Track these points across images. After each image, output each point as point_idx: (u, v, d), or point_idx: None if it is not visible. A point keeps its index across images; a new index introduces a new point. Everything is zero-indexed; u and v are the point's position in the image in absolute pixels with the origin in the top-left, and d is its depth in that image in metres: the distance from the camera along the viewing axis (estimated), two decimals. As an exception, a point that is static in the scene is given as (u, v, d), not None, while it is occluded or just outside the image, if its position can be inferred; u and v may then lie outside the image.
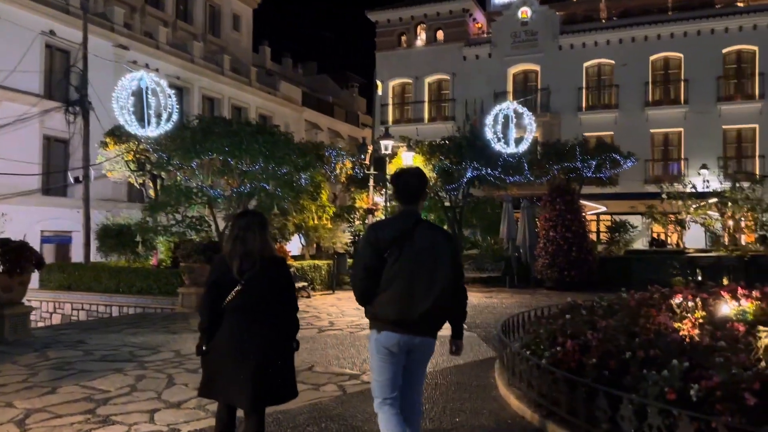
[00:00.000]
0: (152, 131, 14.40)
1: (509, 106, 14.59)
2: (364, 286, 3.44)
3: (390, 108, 34.22)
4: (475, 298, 14.70)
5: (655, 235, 26.66)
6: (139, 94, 14.01)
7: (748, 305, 7.93)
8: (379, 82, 34.06)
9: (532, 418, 4.84)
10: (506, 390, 5.56)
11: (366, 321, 8.02)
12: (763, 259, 15.14)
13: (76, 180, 19.43)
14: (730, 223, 17.92)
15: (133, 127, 14.31)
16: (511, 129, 14.06)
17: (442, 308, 3.36)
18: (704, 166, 25.57)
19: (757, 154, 26.98)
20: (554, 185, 16.83)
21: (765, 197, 18.24)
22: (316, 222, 16.75)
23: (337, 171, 19.28)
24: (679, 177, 27.08)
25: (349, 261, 17.62)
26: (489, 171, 18.27)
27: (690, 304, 7.31)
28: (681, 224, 19.06)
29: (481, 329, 9.67)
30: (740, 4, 29.36)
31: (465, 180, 18.44)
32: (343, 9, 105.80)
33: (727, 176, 24.96)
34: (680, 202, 19.51)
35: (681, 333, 5.52)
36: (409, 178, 3.58)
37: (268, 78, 37.35)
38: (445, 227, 22.04)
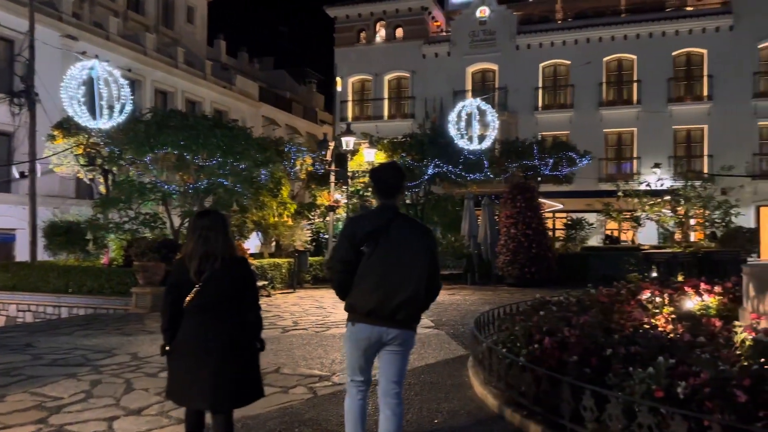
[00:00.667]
0: (104, 123, 13.76)
1: (472, 103, 14.57)
2: (341, 280, 3.49)
3: (349, 104, 33.96)
4: (438, 295, 14.62)
5: (608, 232, 27.29)
6: (90, 85, 13.34)
7: (710, 300, 8.10)
8: (338, 79, 33.75)
9: (512, 417, 4.73)
10: (483, 389, 5.45)
11: (331, 320, 7.88)
12: (716, 255, 15.59)
13: (22, 175, 18.50)
14: (683, 220, 18.43)
15: (83, 119, 13.63)
16: (475, 126, 14.05)
17: (418, 301, 3.42)
18: (657, 165, 26.29)
19: (706, 153, 27.88)
20: (515, 183, 16.94)
21: (715, 195, 18.84)
22: (276, 219, 16.35)
23: (298, 167, 18.91)
24: (632, 175, 27.82)
25: (311, 259, 17.32)
26: (450, 168, 18.25)
27: (658, 299, 7.39)
28: (636, 221, 19.51)
29: (449, 327, 9.57)
30: (689, 8, 30.31)
31: (427, 177, 18.38)
32: (301, 4, 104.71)
33: (677, 175, 25.71)
34: (636, 200, 19.96)
35: (657, 329, 5.53)
36: (386, 174, 3.63)
37: (223, 72, 36.53)
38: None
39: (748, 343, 4.56)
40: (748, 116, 27.20)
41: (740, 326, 4.76)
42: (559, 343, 4.94)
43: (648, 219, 19.47)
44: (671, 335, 4.58)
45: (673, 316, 6.03)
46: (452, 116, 14.82)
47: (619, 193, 20.88)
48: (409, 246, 3.42)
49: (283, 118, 40.00)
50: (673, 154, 28.56)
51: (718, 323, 4.95)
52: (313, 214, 21.15)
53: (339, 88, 34.03)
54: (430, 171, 18.22)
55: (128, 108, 13.70)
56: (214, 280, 3.40)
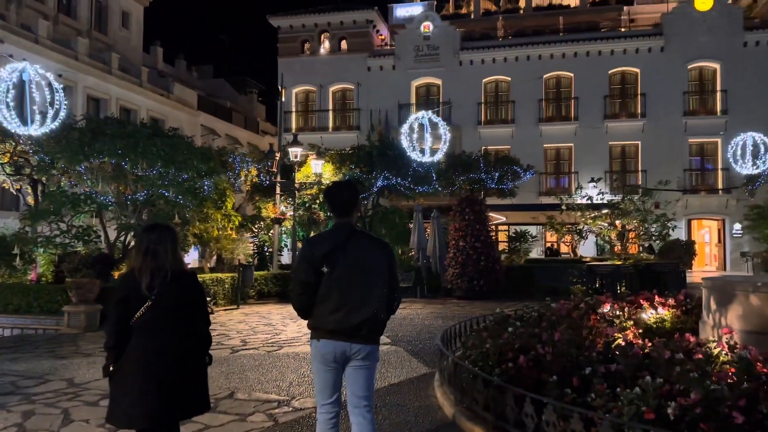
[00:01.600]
0: (35, 130, 12.84)
1: (424, 115, 14.51)
2: (302, 301, 3.50)
3: (293, 115, 33.50)
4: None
5: (549, 245, 27.89)
6: (20, 88, 12.42)
7: (665, 313, 8.20)
8: (282, 89, 33.21)
9: (490, 442, 4.52)
10: (452, 410, 5.22)
11: (282, 338, 7.41)
12: (656, 266, 16.07)
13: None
14: (622, 232, 19.00)
15: (12, 125, 12.67)
16: (427, 138, 13.99)
17: (380, 317, 3.46)
18: (593, 180, 27.11)
19: (640, 168, 29.01)
20: (463, 196, 16.96)
21: (651, 209, 19.53)
22: (218, 232, 15.72)
23: (242, 178, 18.33)
24: (570, 189, 28.59)
25: (256, 273, 16.75)
26: (399, 181, 18.14)
27: (618, 313, 7.40)
28: (579, 234, 20.00)
29: (406, 343, 9.33)
30: (623, 29, 31.63)
31: (376, 189, 18.19)
32: (243, 12, 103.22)
33: (614, 189, 26.59)
34: (578, 213, 20.45)
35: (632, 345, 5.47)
36: (341, 192, 3.63)
37: (160, 79, 35.29)
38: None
39: (722, 358, 4.54)
40: (679, 133, 28.53)
41: (713, 341, 4.74)
42: (534, 362, 4.79)
43: (590, 232, 19.99)
44: (648, 352, 4.49)
45: (640, 330, 6.00)
46: (405, 128, 14.73)
47: (563, 207, 21.36)
48: (367, 262, 3.45)
49: (223, 127, 38.97)
50: (609, 168, 29.59)
51: (692, 339, 4.91)
52: (257, 226, 20.58)
53: (283, 99, 33.45)
54: (379, 183, 18.03)
55: (62, 114, 12.85)
56: (165, 295, 3.33)
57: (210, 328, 3.59)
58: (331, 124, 33.07)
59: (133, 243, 14.58)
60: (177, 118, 33.79)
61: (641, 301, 8.31)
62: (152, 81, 33.35)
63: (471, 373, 4.98)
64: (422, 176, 18.75)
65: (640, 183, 27.73)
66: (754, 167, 16.73)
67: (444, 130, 14.83)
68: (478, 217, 16.73)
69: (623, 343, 5.26)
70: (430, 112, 15.00)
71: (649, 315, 8.06)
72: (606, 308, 7.39)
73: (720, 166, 28.24)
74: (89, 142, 12.79)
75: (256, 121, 44.90)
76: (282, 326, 11.55)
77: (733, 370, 4.06)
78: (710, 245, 29.95)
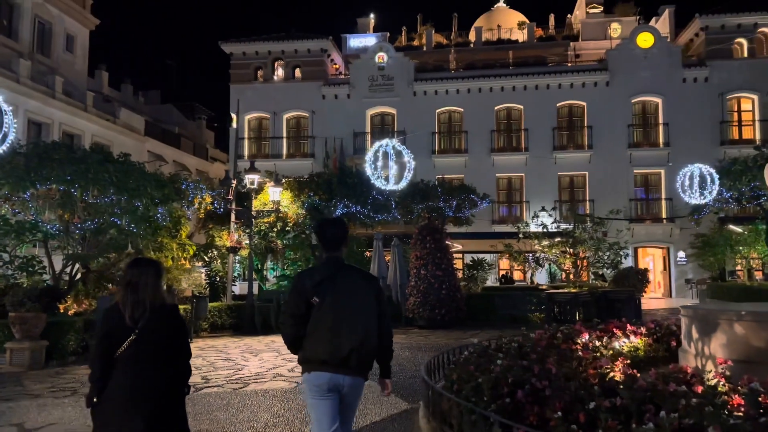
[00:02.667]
0: (-23, 154, 12.07)
1: (389, 143, 14.47)
2: (293, 333, 3.57)
3: (246, 142, 32.98)
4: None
5: (503, 272, 28.16)
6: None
7: (638, 342, 8.25)
8: (234, 115, 32.74)
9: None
10: (446, 450, 4.98)
11: (246, 374, 7.19)
12: (611, 294, 16.34)
13: None
14: (577, 260, 19.35)
15: (-49, 149, 11.87)
16: (391, 166, 13.96)
17: (368, 348, 3.53)
18: (544, 209, 27.70)
19: (588, 198, 29.83)
20: (424, 224, 16.92)
21: (601, 237, 20.03)
22: (172, 262, 15.07)
23: (196, 206, 17.72)
24: (522, 218, 29.13)
25: (212, 304, 16.11)
26: (359, 209, 17.95)
27: (597, 343, 7.37)
28: (537, 262, 20.26)
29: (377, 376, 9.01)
30: (570, 64, 32.80)
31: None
32: (192, 37, 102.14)
33: (564, 218, 27.20)
34: (535, 241, 20.74)
35: (613, 374, 5.40)
36: (332, 228, 3.81)
37: (105, 104, 34.22)
38: (311, 266, 21.28)
39: (720, 389, 4.50)
40: (625, 164, 29.59)
41: (710, 371, 4.71)
42: (533, 396, 4.63)
43: (546, 260, 20.29)
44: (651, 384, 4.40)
45: (627, 361, 5.95)
46: (369, 156, 14.63)
47: (520, 235, 21.63)
48: (355, 295, 3.57)
49: (171, 154, 37.99)
50: (559, 198, 30.30)
51: (689, 369, 4.86)
52: (210, 255, 19.91)
53: (235, 125, 32.98)
54: (339, 211, 17.79)
55: (11, 137, 12.12)
56: (148, 329, 3.42)
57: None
58: (285, 152, 32.72)
59: (80, 275, 13.81)
60: (123, 143, 32.67)
61: (614, 329, 8.36)
62: (97, 106, 32.27)
63: (467, 410, 4.76)
64: (382, 204, 18.65)
65: (588, 212, 28.47)
66: (702, 197, 17.42)
67: (409, 158, 14.81)
68: (439, 245, 16.68)
69: (619, 375, 5.19)
70: (395, 140, 14.91)
71: (622, 343, 8.11)
72: (585, 337, 7.35)
73: (664, 196, 29.37)
74: (36, 168, 12.12)
75: (205, 147, 44.02)
76: (243, 361, 11.06)
77: (738, 401, 4.01)
78: (654, 272, 30.94)
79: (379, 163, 13.90)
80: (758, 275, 26.65)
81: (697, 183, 17.36)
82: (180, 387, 3.54)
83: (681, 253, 28.40)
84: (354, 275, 3.69)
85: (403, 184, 14.88)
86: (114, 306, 3.49)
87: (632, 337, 8.17)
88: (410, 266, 16.88)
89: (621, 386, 4.47)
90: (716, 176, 17.59)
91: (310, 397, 3.51)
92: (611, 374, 5.11)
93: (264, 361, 10.93)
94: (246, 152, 32.48)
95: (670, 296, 28.60)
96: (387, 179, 14.06)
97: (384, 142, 14.47)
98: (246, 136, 33.19)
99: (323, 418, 3.46)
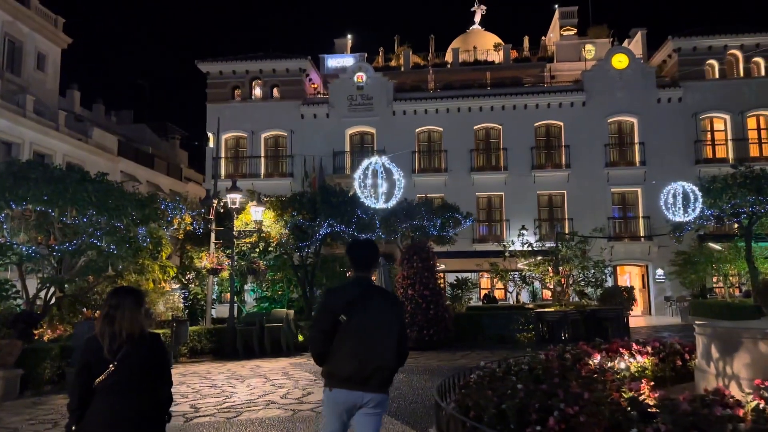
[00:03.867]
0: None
1: (378, 160, 14.25)
2: (321, 348, 3.70)
3: (223, 161, 32.46)
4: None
5: (485, 292, 28.01)
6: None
7: (645, 361, 8.07)
8: (210, 135, 32.27)
9: None
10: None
11: (236, 402, 7.87)
12: (600, 312, 16.28)
13: None
14: (562, 279, 19.31)
15: None
16: (381, 184, 13.74)
17: (390, 367, 3.67)
18: (524, 228, 27.75)
19: (566, 216, 29.99)
20: (411, 243, 16.68)
21: (588, 256, 20.07)
22: (153, 285, 14.52)
23: (175, 226, 17.19)
24: (502, 237, 29.14)
25: (191, 328, 15.55)
26: (343, 228, 17.65)
27: (609, 363, 7.17)
28: (524, 280, 20.17)
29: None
30: (546, 85, 33.22)
31: (319, 236, 17.60)
32: (165, 57, 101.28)
33: (543, 237, 27.24)
34: (522, 259, 20.66)
35: (643, 397, 5.18)
36: (363, 249, 3.96)
37: (77, 124, 33.46)
38: (296, 288, 20.79)
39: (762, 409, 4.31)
40: (602, 183, 29.90)
41: (749, 393, 4.53)
42: (565, 423, 4.38)
43: (533, 278, 20.22)
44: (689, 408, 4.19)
45: (651, 383, 5.74)
46: (359, 173, 14.39)
47: (506, 253, 21.53)
48: (381, 315, 3.70)
49: (145, 174, 37.25)
50: (538, 217, 30.42)
51: (727, 392, 4.67)
52: (187, 278, 19.33)
53: (211, 145, 32.50)
54: (323, 231, 17.46)
55: (-14, 154, 11.57)
56: (127, 359, 3.41)
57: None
58: (263, 171, 32.30)
59: (54, 299, 13.20)
60: (96, 163, 31.86)
61: (620, 349, 8.19)
62: (69, 125, 31.52)
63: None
64: (365, 223, 18.39)
65: (568, 230, 28.61)
66: (685, 215, 17.59)
67: (399, 176, 14.61)
68: (426, 265, 16.44)
69: (650, 398, 4.98)
70: (384, 157, 14.71)
71: (627, 363, 7.93)
72: (597, 358, 7.15)
73: (641, 214, 29.72)
74: (10, 188, 11.57)
75: (179, 167, 43.32)
76: (230, 387, 10.59)
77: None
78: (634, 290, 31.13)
79: (368, 181, 13.68)
80: (735, 292, 27.02)
81: (680, 200, 17.51)
82: (160, 415, 3.53)
83: (660, 271, 28.67)
84: (380, 296, 3.82)
85: (392, 202, 14.66)
86: (93, 337, 3.49)
87: (638, 357, 8.00)
88: (397, 286, 16.59)
89: (658, 410, 4.25)
90: (699, 194, 17.78)
91: (328, 412, 3.69)
92: (641, 398, 4.89)
93: (253, 388, 10.49)
94: (223, 172, 31.95)
95: (650, 314, 28.78)
96: (376, 197, 13.82)
97: (373, 159, 14.26)
98: (223, 155, 32.69)
99: None
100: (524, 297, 26.69)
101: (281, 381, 11.21)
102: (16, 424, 7.77)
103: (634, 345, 8.24)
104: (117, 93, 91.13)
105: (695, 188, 17.87)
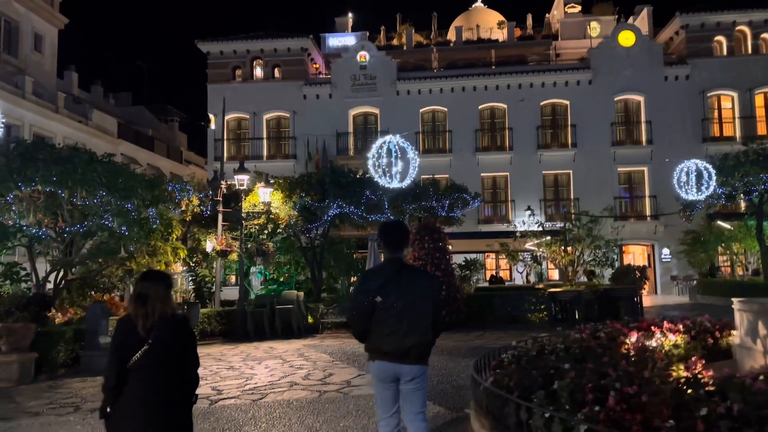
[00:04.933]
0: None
1: (393, 139, 13.97)
2: (362, 327, 3.96)
3: (225, 143, 32.05)
4: (342, 344, 13.57)
5: (492, 272, 27.89)
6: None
7: (677, 339, 7.93)
8: (212, 116, 31.88)
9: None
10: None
11: (258, 383, 8.33)
12: (613, 292, 16.14)
13: None
14: (574, 258, 19.15)
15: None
16: (395, 163, 13.48)
17: (426, 342, 3.93)
18: (530, 208, 27.59)
19: (572, 196, 29.78)
20: (422, 223, 16.47)
21: (601, 235, 19.89)
22: (165, 267, 14.29)
23: (183, 208, 16.92)
24: (508, 217, 28.97)
25: (203, 310, 15.38)
26: (353, 209, 17.43)
27: (647, 342, 7.01)
28: (536, 260, 19.98)
29: (403, 383, 8.52)
30: (551, 63, 32.79)
31: (328, 218, 17.37)
32: (164, 38, 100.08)
33: (547, 217, 27.03)
34: (533, 239, 20.48)
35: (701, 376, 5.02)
36: (395, 230, 4.20)
37: (76, 106, 32.99)
38: (304, 270, 20.60)
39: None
40: (609, 162, 29.64)
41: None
42: (626, 403, 4.21)
43: (544, 258, 20.05)
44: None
45: (703, 361, 5.58)
46: (372, 152, 14.12)
47: (518, 234, 21.36)
48: (416, 293, 3.91)
49: (145, 156, 36.90)
50: (544, 197, 30.21)
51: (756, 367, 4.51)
52: (194, 260, 19.12)
53: (212, 126, 32.12)
54: (332, 212, 17.23)
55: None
56: (160, 339, 3.49)
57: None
58: (265, 153, 31.98)
59: (64, 282, 12.99)
60: (96, 146, 31.31)
61: (652, 327, 8.03)
62: (68, 107, 31.09)
63: (559, 420, 4.28)
64: (374, 204, 18.14)
65: (573, 210, 28.43)
66: (699, 193, 17.38)
67: (414, 155, 14.34)
68: (437, 245, 16.27)
69: (704, 377, 4.81)
70: (398, 136, 14.42)
71: (659, 341, 7.78)
72: (633, 337, 6.99)
73: (647, 193, 29.53)
74: (18, 169, 11.30)
75: (179, 150, 42.95)
76: (248, 369, 10.45)
77: None
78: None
79: (383, 161, 13.42)
80: (739, 271, 26.97)
81: (693, 178, 17.30)
82: (188, 395, 3.61)
83: (666, 250, 28.56)
84: (414, 275, 4.05)
85: (407, 181, 14.40)
86: (126, 317, 3.59)
87: (670, 335, 7.85)
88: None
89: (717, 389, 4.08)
90: (713, 171, 17.56)
91: (376, 381, 3.98)
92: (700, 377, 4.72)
93: (272, 369, 10.34)
94: (225, 154, 31.59)
95: (656, 293, 28.73)
96: (390, 177, 13.57)
97: (387, 138, 13.98)
98: (225, 137, 32.29)
99: (385, 404, 3.97)
100: (531, 277, 26.57)
101: (299, 362, 11.07)
102: (37, 409, 7.61)
103: (665, 323, 8.09)
104: (115, 75, 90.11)
105: (709, 166, 17.65)
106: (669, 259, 28.32)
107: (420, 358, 3.89)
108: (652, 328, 7.94)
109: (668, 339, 7.83)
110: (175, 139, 44.73)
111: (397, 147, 13.65)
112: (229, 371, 10.33)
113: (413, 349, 3.83)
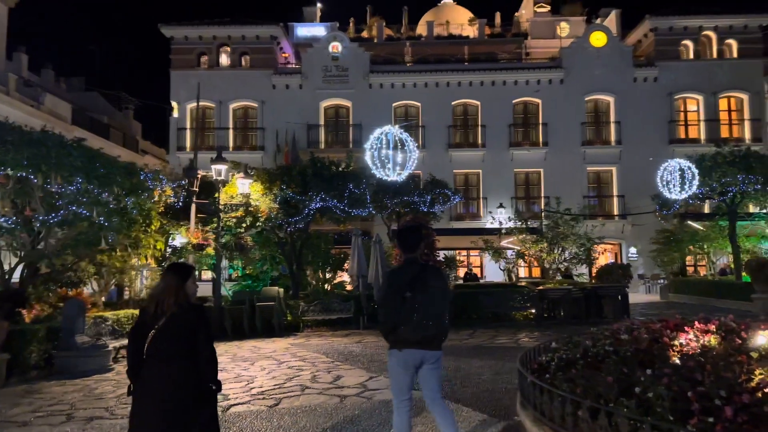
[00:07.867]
0: None
1: (391, 129, 13.42)
2: (392, 320, 4.32)
3: (187, 132, 30.82)
4: (330, 342, 13.01)
5: (465, 270, 27.68)
6: None
7: (711, 340, 7.69)
8: (174, 104, 30.57)
9: None
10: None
11: (263, 387, 7.89)
12: (601, 290, 16.08)
13: None
14: (556, 256, 19.08)
15: None
16: (393, 155, 12.94)
17: (445, 331, 4.47)
18: (501, 206, 27.51)
19: (543, 195, 29.89)
20: (414, 219, 16.01)
21: (582, 233, 19.89)
22: (145, 260, 13.35)
23: (156, 198, 15.91)
24: (479, 215, 28.86)
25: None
26: (335, 203, 16.81)
27: (700, 341, 6.72)
28: (521, 257, 19.83)
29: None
30: (524, 61, 32.87)
31: (310, 212, 16.68)
32: (121, 21, 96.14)
33: (518, 215, 27.04)
34: (519, 236, 20.32)
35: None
36: (410, 234, 4.72)
37: (27, 89, 31.08)
38: (278, 266, 19.85)
39: None
40: (579, 161, 29.89)
41: None
42: (748, 414, 3.83)
43: (528, 255, 19.91)
44: None
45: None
46: (370, 143, 13.53)
47: (502, 230, 21.16)
48: (435, 290, 4.39)
49: (100, 144, 34.58)
50: (515, 194, 30.24)
51: None
52: (165, 254, 18.09)
53: (175, 114, 30.83)
54: (314, 205, 16.56)
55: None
56: (167, 326, 3.62)
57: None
58: (231, 143, 30.89)
59: (37, 276, 11.94)
60: (49, 132, 29.76)
61: (685, 326, 7.79)
62: (19, 90, 29.24)
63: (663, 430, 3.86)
64: (357, 198, 17.57)
65: (545, 208, 28.54)
66: (682, 192, 17.56)
67: (413, 147, 13.82)
68: (426, 242, 15.80)
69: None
70: (397, 126, 13.89)
71: (689, 341, 7.54)
72: (683, 338, 6.68)
73: (615, 193, 29.94)
74: (-15, 152, 10.23)
75: (135, 139, 41.16)
76: (243, 371, 9.75)
77: None
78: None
79: (381, 152, 12.86)
80: (702, 271, 27.67)
81: (677, 177, 17.45)
82: (202, 382, 3.62)
83: (632, 249, 29.03)
84: (432, 272, 4.52)
85: (404, 174, 13.89)
86: (146, 305, 3.81)
87: (703, 336, 7.62)
88: (394, 264, 15.92)
89: None
90: (696, 171, 17.76)
91: (399, 368, 4.37)
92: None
93: (269, 371, 9.68)
94: (188, 143, 30.40)
95: (623, 291, 29.11)
96: (389, 169, 13.02)
97: (386, 128, 13.43)
98: (188, 126, 31.03)
99: (403, 387, 4.40)
100: (499, 275, 26.48)
101: (296, 363, 10.43)
102: (23, 417, 6.76)
103: (696, 323, 7.85)
104: (68, 59, 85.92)
105: (692, 166, 17.84)
106: (636, 258, 28.79)
107: (439, 345, 4.44)
108: (686, 328, 7.70)
109: (702, 339, 7.62)
110: (130, 127, 42.87)
111: (394, 138, 13.11)
112: (222, 373, 9.57)
113: (435, 337, 4.36)
